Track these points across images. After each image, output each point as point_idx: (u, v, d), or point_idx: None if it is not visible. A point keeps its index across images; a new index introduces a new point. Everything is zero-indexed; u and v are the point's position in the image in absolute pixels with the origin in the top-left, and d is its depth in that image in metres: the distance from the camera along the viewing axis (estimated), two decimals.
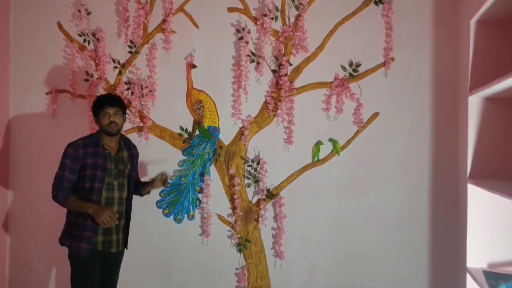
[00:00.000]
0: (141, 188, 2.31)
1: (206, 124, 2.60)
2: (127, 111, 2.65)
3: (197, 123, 2.61)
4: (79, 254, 2.03)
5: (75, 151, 2.04)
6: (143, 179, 2.42)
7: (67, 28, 2.71)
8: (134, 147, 2.31)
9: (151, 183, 2.28)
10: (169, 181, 2.53)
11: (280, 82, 2.48)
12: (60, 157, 2.06)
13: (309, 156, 2.51)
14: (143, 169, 2.62)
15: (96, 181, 2.04)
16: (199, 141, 2.61)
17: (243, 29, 2.50)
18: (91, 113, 2.21)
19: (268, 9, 2.47)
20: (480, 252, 1.81)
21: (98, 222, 1.93)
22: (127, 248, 2.22)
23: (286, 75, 2.47)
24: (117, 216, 2.00)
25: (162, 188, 2.50)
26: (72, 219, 2.07)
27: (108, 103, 2.10)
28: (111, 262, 2.16)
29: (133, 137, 2.65)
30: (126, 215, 2.17)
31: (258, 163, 2.55)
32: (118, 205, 2.12)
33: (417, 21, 2.38)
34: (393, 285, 2.45)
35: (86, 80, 2.67)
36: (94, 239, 2.03)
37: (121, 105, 2.14)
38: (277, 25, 2.50)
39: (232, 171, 2.56)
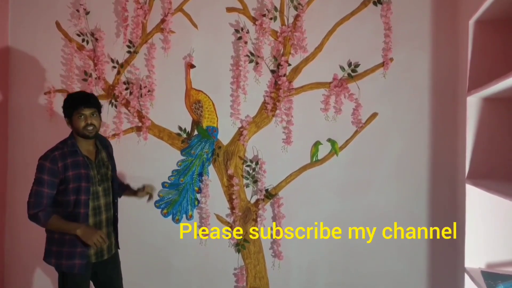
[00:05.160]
0: (122, 191, 2.23)
1: (204, 124, 2.59)
2: (126, 111, 2.65)
3: (196, 123, 2.61)
4: (73, 271, 1.91)
5: (53, 165, 1.85)
6: (128, 183, 2.34)
7: (65, 27, 2.70)
8: (110, 144, 2.18)
9: (134, 193, 2.20)
10: (159, 192, 2.49)
11: (279, 82, 2.48)
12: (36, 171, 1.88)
13: (308, 156, 2.51)
14: (142, 168, 2.62)
15: (82, 193, 1.90)
16: (198, 141, 2.61)
17: (242, 29, 2.50)
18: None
19: (267, 9, 2.47)
20: (478, 252, 1.81)
21: (88, 243, 1.84)
22: (119, 249, 2.18)
23: (284, 75, 2.47)
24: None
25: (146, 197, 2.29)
26: (55, 237, 1.93)
27: (84, 104, 1.90)
28: (109, 266, 2.09)
29: (132, 137, 2.65)
30: (113, 217, 2.09)
31: (256, 163, 2.55)
32: (106, 211, 2.02)
33: (416, 22, 2.38)
34: (391, 285, 2.44)
35: (85, 80, 2.66)
36: (87, 252, 1.93)
37: (97, 105, 1.97)
38: (276, 25, 2.50)
39: (230, 171, 2.56)
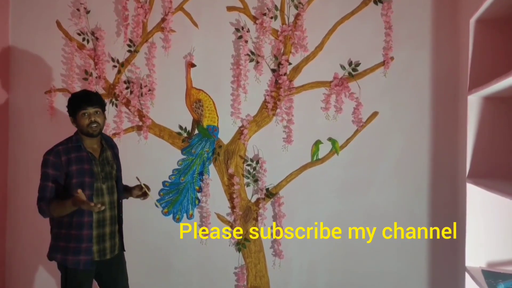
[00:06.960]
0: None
1: (205, 123, 2.59)
2: (127, 110, 2.65)
3: (196, 122, 2.61)
4: (78, 267, 1.91)
5: (56, 159, 1.90)
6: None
7: (66, 27, 2.70)
8: (115, 145, 2.19)
9: (129, 191, 2.11)
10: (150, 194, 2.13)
11: (280, 81, 2.48)
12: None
13: (308, 156, 2.51)
14: (143, 167, 2.62)
15: (85, 189, 1.88)
16: (198, 140, 2.61)
17: (243, 28, 2.50)
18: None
19: (267, 8, 2.47)
20: (479, 251, 1.81)
21: (89, 209, 1.80)
22: (124, 251, 2.15)
23: (285, 74, 2.47)
24: (104, 208, 1.81)
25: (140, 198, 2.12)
26: (62, 232, 1.94)
27: (87, 102, 1.92)
28: (113, 267, 2.07)
29: (132, 136, 2.65)
30: (118, 218, 2.08)
31: (257, 162, 2.55)
32: (110, 209, 2.01)
33: (416, 21, 2.38)
34: (392, 285, 2.44)
35: (85, 79, 2.66)
36: (91, 248, 1.93)
37: (101, 103, 1.99)
38: (277, 24, 2.50)
39: (231, 170, 2.56)
